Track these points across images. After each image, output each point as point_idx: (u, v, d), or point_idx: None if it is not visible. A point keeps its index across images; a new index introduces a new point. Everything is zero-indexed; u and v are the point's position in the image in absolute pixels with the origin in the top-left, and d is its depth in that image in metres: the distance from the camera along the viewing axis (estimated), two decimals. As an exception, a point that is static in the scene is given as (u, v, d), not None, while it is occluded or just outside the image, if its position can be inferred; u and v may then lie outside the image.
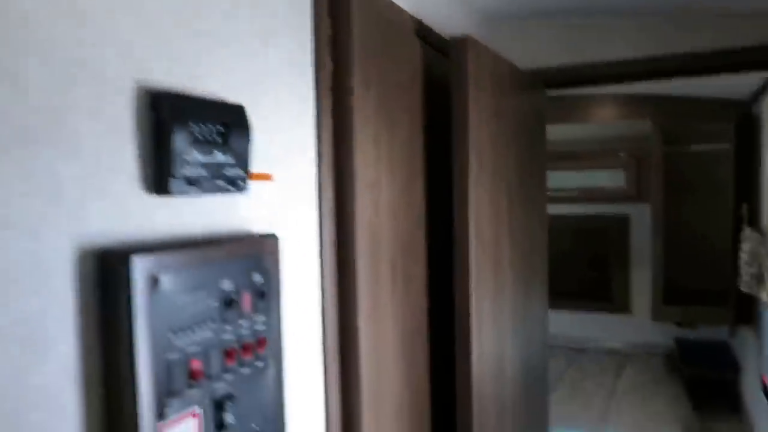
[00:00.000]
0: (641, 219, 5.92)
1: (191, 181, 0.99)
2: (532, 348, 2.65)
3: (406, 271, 1.78)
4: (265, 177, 1.20)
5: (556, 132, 6.08)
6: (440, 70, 2.09)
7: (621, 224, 6.05)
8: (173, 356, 0.97)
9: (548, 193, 3.08)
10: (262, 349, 1.17)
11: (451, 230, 1.92)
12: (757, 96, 4.35)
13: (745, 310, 4.78)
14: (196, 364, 1.01)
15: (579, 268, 6.24)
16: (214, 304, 1.05)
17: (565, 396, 5.13)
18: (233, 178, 1.08)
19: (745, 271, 3.21)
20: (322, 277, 1.43)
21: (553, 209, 5.17)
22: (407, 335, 1.79)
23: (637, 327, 6.16)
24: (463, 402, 1.91)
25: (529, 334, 2.62)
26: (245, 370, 1.13)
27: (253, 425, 1.16)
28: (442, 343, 2.04)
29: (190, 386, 1.00)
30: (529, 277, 2.61)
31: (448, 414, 2.01)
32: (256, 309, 1.15)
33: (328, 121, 1.46)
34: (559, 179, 6.08)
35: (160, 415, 0.95)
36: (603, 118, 5.31)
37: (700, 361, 5.61)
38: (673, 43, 2.68)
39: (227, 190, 1.07)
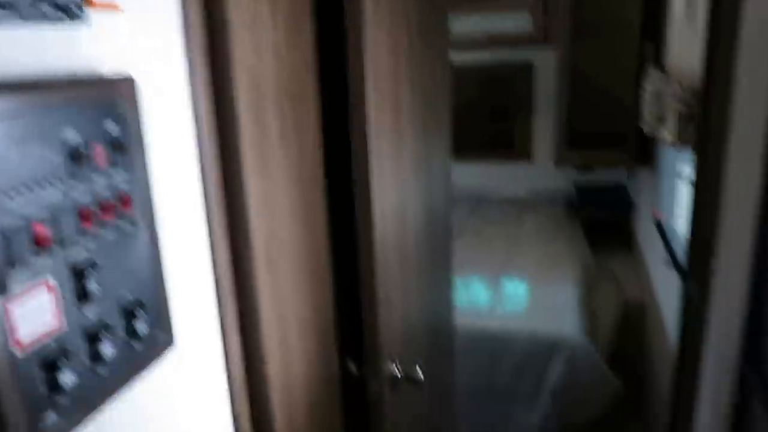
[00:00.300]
0: (546, 65, 5.89)
1: (3, 5, 0.79)
2: (435, 198, 2.62)
3: (296, 121, 1.64)
4: (110, 6, 1.00)
5: (463, 23, 5.83)
6: None
7: (525, 71, 6.01)
8: (8, 221, 0.82)
9: (451, 38, 2.94)
10: (127, 208, 1.03)
11: (347, 76, 1.77)
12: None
13: (644, 152, 4.95)
14: (41, 229, 0.86)
15: (482, 118, 6.23)
16: (57, 158, 0.89)
17: (470, 243, 5.28)
18: (64, 4, 0.88)
19: (648, 112, 3.25)
20: (198, 128, 1.28)
21: (457, 57, 5.04)
22: (302, 188, 1.68)
23: (540, 174, 6.31)
24: (366, 255, 1.86)
25: (432, 184, 2.57)
26: (108, 234, 1.00)
27: (126, 293, 1.05)
28: (341, 197, 1.95)
29: (37, 254, 0.86)
30: (431, 126, 2.52)
31: (350, 264, 1.96)
32: (114, 164, 1.00)
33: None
34: (463, 23, 5.90)
35: (1, 288, 0.82)
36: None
37: (597, 203, 5.88)
38: None
39: (57, 19, 0.87)
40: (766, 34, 1.87)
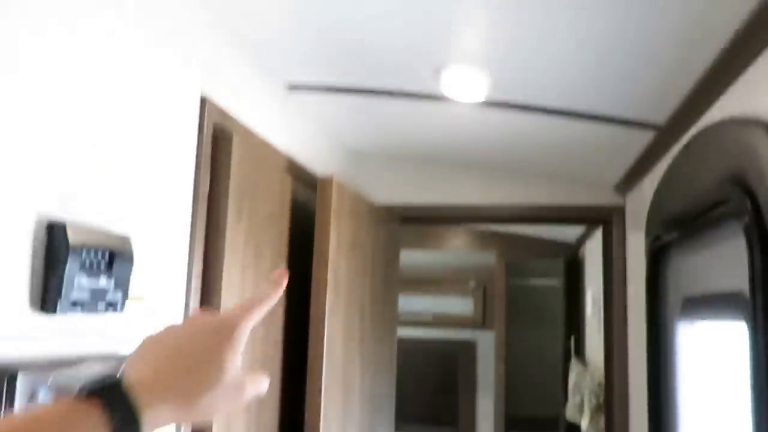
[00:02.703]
0: (487, 346, 6.32)
1: (76, 303, 1.11)
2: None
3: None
4: (138, 299, 1.34)
5: (413, 257, 6.46)
6: (309, 200, 2.33)
7: (468, 350, 6.41)
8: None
9: (401, 316, 3.34)
10: None
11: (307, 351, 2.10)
12: (582, 240, 4.97)
13: (573, 437, 5.18)
14: None
15: (428, 392, 6.47)
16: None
17: None
18: (113, 302, 1.21)
19: (570, 400, 3.58)
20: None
21: (406, 332, 5.43)
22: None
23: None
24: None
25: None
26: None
27: None
28: None
29: None
30: (377, 397, 2.79)
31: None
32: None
33: (200, 252, 1.63)
34: (412, 303, 6.42)
35: None
36: (455, 246, 5.80)
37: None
38: (511, 194, 3.11)
39: (105, 311, 1.20)
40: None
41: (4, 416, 0.96)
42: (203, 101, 1.69)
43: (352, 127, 2.74)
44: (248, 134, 1.94)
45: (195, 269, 1.61)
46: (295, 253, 2.23)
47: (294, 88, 2.25)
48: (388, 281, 2.99)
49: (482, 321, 6.38)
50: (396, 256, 3.22)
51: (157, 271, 1.44)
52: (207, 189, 1.68)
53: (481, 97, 2.12)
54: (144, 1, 1.44)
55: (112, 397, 0.50)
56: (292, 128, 2.34)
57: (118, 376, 0.52)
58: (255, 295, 0.60)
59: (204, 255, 1.66)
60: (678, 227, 1.93)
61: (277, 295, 0.61)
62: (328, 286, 2.12)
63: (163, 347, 0.56)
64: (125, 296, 1.25)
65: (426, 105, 2.29)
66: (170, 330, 0.58)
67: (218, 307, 1.64)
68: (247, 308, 0.59)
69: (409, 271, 4.27)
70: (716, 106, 1.71)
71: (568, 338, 5.15)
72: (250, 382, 0.58)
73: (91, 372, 1.17)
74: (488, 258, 6.05)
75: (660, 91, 1.89)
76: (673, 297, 2.06)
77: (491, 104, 2.19)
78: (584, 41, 1.70)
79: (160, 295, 1.45)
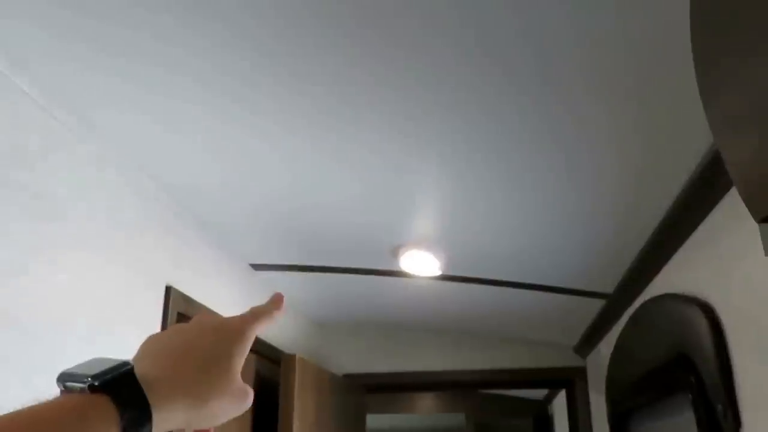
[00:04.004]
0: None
1: None
2: None
3: None
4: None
5: (381, 420, 6.31)
6: (273, 375, 2.33)
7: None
8: None
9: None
10: None
11: None
12: (550, 397, 4.95)
13: None
14: None
15: None
16: None
17: None
18: None
19: None
20: None
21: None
22: None
23: None
24: None
25: None
26: None
27: None
28: None
29: None
30: None
31: None
32: None
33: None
34: (403, 419, 6.17)
35: None
36: (423, 409, 5.68)
37: None
38: (474, 358, 3.14)
39: None
40: None
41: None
42: (168, 290, 1.74)
43: (316, 300, 2.80)
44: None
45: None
46: (259, 428, 2.19)
47: (258, 267, 2.33)
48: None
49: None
50: (362, 424, 3.17)
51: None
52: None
53: (437, 272, 2.22)
54: (115, 203, 1.53)
55: (124, 392, 0.44)
56: (256, 305, 2.38)
57: (127, 368, 0.46)
58: (258, 307, 0.58)
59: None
60: (634, 394, 1.98)
61: (279, 314, 0.59)
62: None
63: (172, 345, 0.52)
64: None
65: (386, 280, 2.38)
66: (178, 328, 0.55)
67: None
68: (253, 314, 0.57)
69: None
70: (658, 278, 1.83)
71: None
72: (250, 389, 0.54)
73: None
74: (458, 419, 5.93)
75: (605, 265, 2.01)
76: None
77: (447, 278, 2.29)
78: (524, 222, 1.83)
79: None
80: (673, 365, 1.53)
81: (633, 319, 1.95)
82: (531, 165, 1.50)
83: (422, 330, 3.21)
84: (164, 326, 1.69)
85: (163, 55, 1.15)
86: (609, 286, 2.15)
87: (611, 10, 0.98)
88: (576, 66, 1.13)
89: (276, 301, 0.59)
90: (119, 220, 1.56)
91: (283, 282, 2.51)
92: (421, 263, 2.13)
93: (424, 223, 1.96)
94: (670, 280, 1.74)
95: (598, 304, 2.32)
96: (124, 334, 1.49)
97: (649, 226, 1.70)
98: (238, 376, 0.52)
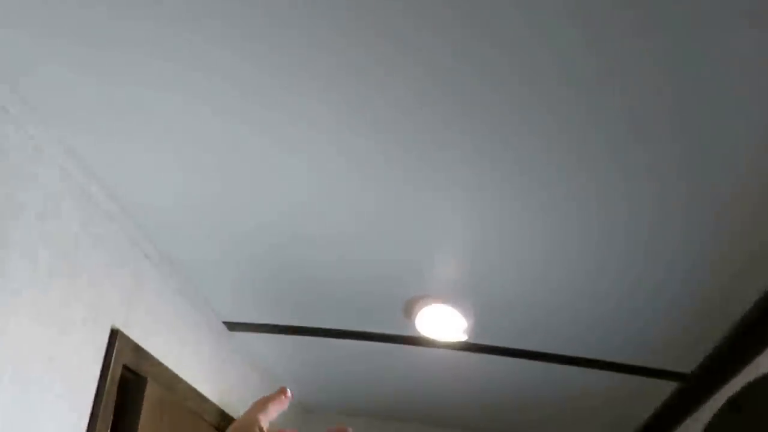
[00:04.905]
0: None
1: None
2: None
3: None
4: None
5: None
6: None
7: None
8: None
9: None
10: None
11: None
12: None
13: None
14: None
15: None
16: None
17: None
18: None
19: None
20: None
21: None
22: None
23: None
24: None
25: None
26: None
27: None
28: None
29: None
30: None
31: None
32: None
33: None
34: None
35: None
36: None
37: None
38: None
39: None
40: None
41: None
42: (114, 333, 1.35)
43: (302, 376, 2.28)
44: (173, 381, 1.51)
45: None
46: None
47: (233, 327, 1.83)
48: None
49: None
50: None
51: None
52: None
53: (462, 337, 1.71)
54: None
55: None
56: (227, 373, 1.88)
57: None
58: (267, 396, 0.56)
59: None
60: None
61: (286, 402, 0.56)
62: None
63: None
64: None
65: (395, 349, 1.88)
66: None
67: None
68: (262, 402, 0.55)
69: None
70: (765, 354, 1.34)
71: None
72: None
73: None
74: None
75: (687, 336, 1.51)
76: None
77: (473, 348, 1.78)
78: (577, 270, 1.36)
79: None
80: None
81: (732, 404, 1.44)
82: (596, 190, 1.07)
83: (431, 419, 2.64)
84: (102, 380, 1.30)
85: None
86: (687, 364, 1.64)
87: None
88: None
89: (283, 392, 0.58)
90: (53, 235, 1.11)
91: (261, 347, 1.99)
92: (442, 323, 1.63)
93: (446, 268, 1.49)
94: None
95: (667, 388, 1.80)
96: (48, 386, 1.11)
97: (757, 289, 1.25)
98: None
